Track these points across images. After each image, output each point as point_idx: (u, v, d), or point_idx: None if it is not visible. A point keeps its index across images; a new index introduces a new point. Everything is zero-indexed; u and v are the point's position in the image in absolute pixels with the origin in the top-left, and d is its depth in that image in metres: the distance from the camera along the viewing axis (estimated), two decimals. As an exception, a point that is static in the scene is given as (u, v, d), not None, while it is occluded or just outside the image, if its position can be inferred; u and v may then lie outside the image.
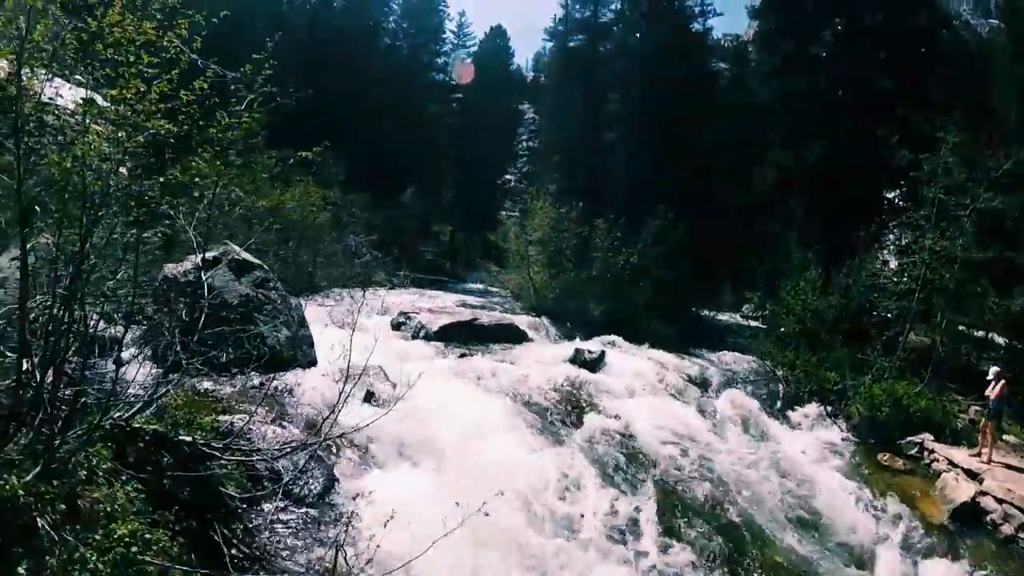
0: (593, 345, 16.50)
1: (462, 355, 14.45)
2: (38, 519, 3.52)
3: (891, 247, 19.16)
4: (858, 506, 10.42)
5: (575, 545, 8.03)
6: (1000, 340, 17.00)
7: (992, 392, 11.42)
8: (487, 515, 5.70)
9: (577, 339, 17.71)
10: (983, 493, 10.21)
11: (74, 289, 3.98)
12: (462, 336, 15.77)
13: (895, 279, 17.06)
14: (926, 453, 11.97)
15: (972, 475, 10.72)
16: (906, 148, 16.36)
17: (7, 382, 4.14)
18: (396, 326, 16.21)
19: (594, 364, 15.03)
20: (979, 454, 11.32)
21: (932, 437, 12.26)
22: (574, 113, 30.96)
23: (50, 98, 4.22)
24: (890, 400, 12.82)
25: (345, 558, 5.98)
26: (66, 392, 4.23)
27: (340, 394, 6.01)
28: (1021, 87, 18.31)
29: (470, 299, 24.15)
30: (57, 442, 3.83)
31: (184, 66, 4.60)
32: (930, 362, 14.77)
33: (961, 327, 16.12)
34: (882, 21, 22.12)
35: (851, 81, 21.87)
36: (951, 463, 11.30)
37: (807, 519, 10.00)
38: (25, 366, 3.99)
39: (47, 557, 3.43)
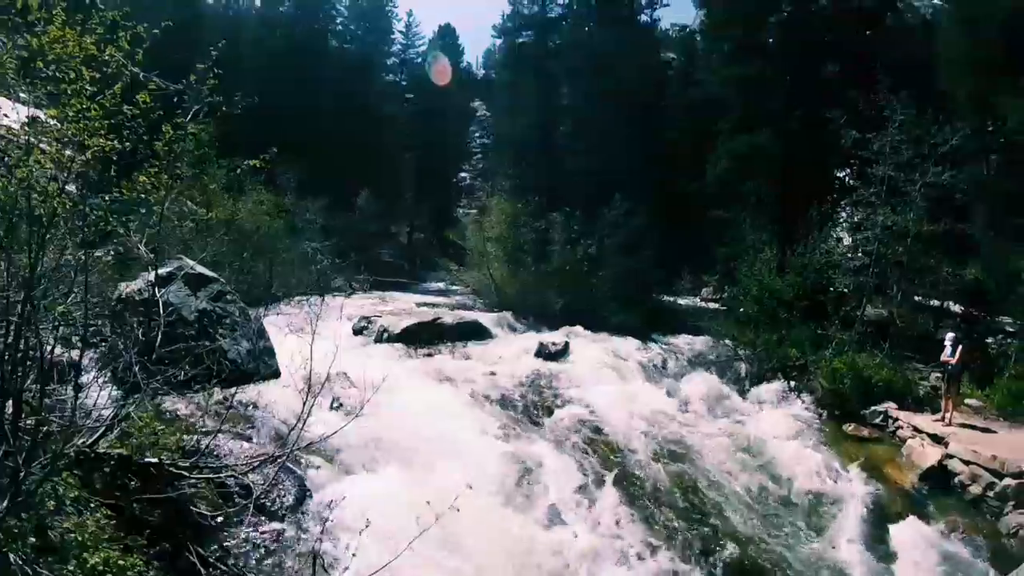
0: (556, 337, 16.63)
1: (427, 355, 14.46)
2: (9, 555, 3.41)
3: (844, 224, 19.67)
4: (827, 476, 10.66)
5: (548, 534, 8.12)
6: (955, 308, 17.64)
7: (951, 358, 11.78)
8: (459, 511, 5.70)
9: (540, 332, 17.83)
10: (949, 456, 10.51)
11: (27, 315, 3.85)
12: (426, 336, 15.74)
13: (849, 255, 17.56)
14: (890, 421, 12.32)
15: (937, 439, 11.03)
16: (855, 129, 16.78)
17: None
18: (358, 331, 16.10)
19: (558, 355, 15.19)
20: (942, 419, 11.68)
21: (895, 405, 12.62)
22: (526, 109, 31.02)
23: (-5, 118, 4.09)
24: (851, 372, 13.17)
25: (323, 566, 5.95)
26: (27, 421, 4.10)
27: (304, 404, 5.95)
28: (966, 66, 18.93)
29: (432, 299, 24.13)
30: (22, 474, 3.71)
31: (126, 80, 4.48)
32: (888, 333, 15.22)
33: (917, 298, 16.65)
34: (828, 5, 22.67)
35: (799, 66, 22.30)
36: (916, 429, 11.62)
37: (776, 493, 10.26)
38: (-17, 398, 3.86)
39: (21, 592, 3.34)
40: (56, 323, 4.29)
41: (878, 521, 9.60)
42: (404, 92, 46.95)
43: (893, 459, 11.28)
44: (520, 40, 33.63)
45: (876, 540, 9.24)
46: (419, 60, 48.76)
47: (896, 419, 12.25)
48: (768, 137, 21.39)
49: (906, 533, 9.30)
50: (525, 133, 30.55)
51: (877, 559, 8.86)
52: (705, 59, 28.79)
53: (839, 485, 10.49)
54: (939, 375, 12.80)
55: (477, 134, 54.41)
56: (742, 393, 14.35)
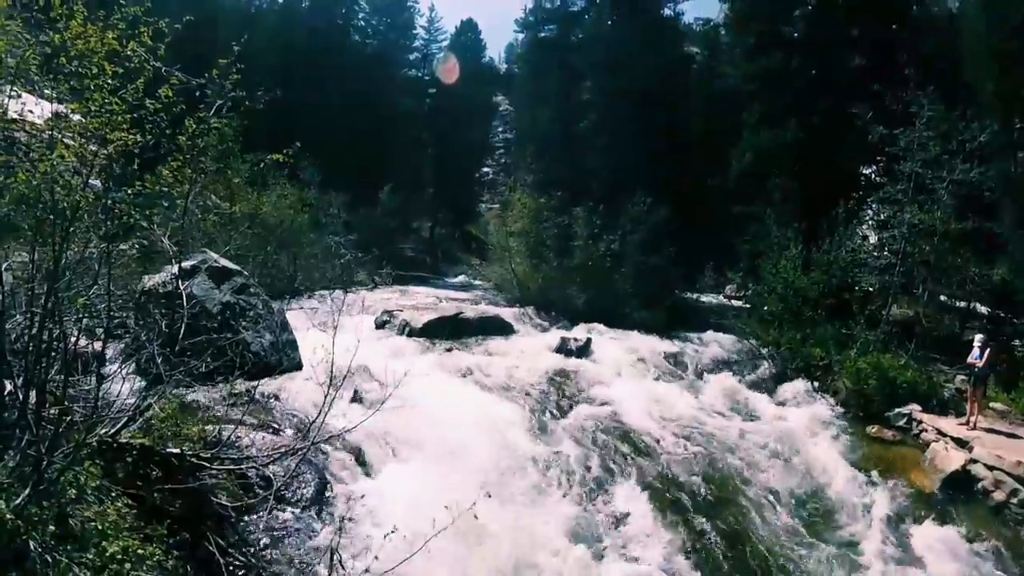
0: (578, 333, 16.57)
1: (448, 350, 14.45)
2: (29, 542, 3.47)
3: (870, 222, 19.35)
4: (849, 478, 10.51)
5: (568, 533, 8.09)
6: (982, 309, 17.27)
7: (979, 360, 11.51)
8: (476, 516, 5.70)
9: (562, 328, 17.78)
10: (973, 461, 10.31)
11: (51, 306, 3.92)
12: (447, 331, 15.75)
13: (876, 253, 17.24)
14: (914, 424, 12.10)
15: (961, 443, 10.83)
16: (881, 124, 16.48)
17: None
18: (380, 324, 16.15)
19: (580, 352, 15.11)
20: (967, 422, 11.45)
21: (919, 408, 12.39)
22: (548, 103, 30.91)
23: (18, 114, 4.15)
24: (876, 373, 12.94)
25: (340, 561, 5.98)
26: (51, 411, 4.17)
27: (326, 397, 5.98)
28: (993, 61, 18.47)
29: (453, 294, 24.15)
30: (44, 463, 3.78)
31: (148, 75, 4.52)
32: (914, 334, 14.95)
33: (943, 298, 16.34)
34: (853, -3, 22.24)
35: (824, 60, 21.95)
36: (940, 432, 11.41)
37: (798, 494, 10.12)
38: (8, 387, 3.92)
39: (40, 579, 3.40)
40: (80, 315, 4.36)
41: (900, 525, 9.47)
42: (426, 87, 47.01)
43: (916, 462, 11.08)
44: (542, 34, 33.50)
45: (898, 544, 9.10)
46: (441, 55, 48.80)
47: (920, 422, 12.03)
48: (792, 132, 21.07)
49: (928, 538, 9.16)
50: (547, 128, 30.45)
51: (898, 563, 8.72)
52: (729, 53, 28.43)
53: (861, 487, 10.34)
54: (964, 377, 12.54)
55: (500, 128, 54.38)
56: (765, 392, 14.16)
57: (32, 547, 3.48)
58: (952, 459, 10.58)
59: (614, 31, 29.15)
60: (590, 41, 30.74)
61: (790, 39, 23.30)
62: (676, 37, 31.46)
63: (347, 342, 6.23)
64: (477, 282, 27.99)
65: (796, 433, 11.97)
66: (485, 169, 52.58)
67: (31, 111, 4.33)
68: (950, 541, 9.10)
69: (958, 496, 10.03)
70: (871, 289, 16.46)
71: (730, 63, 26.78)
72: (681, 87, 29.29)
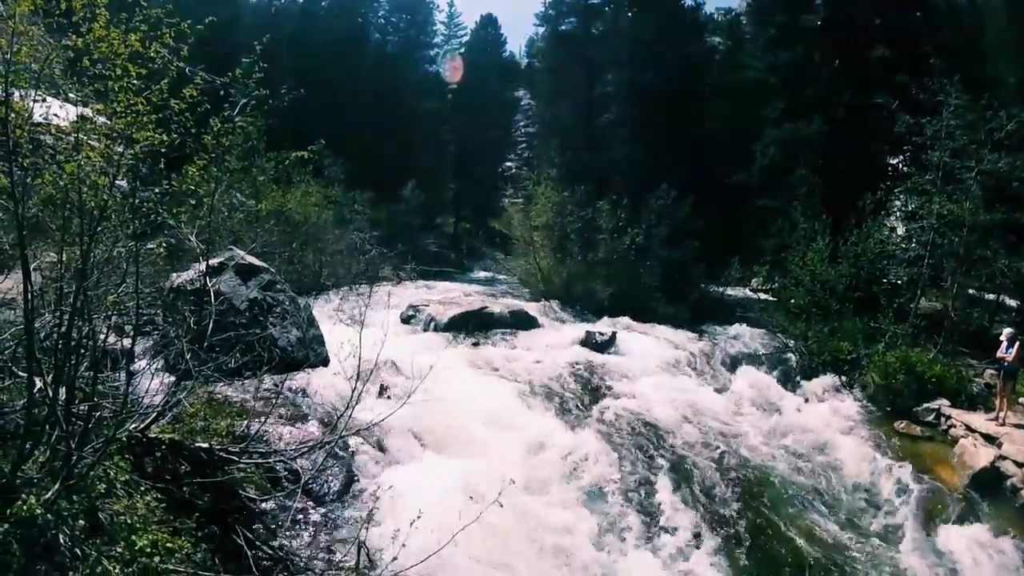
0: (603, 327, 16.51)
1: (474, 344, 14.51)
2: (59, 536, 3.55)
3: (898, 213, 18.96)
4: (876, 474, 10.37)
5: (595, 526, 8.09)
6: (1012, 303, 16.86)
7: (1008, 354, 11.22)
8: (502, 505, 5.72)
9: (587, 322, 17.74)
10: (1002, 458, 10.09)
11: (80, 304, 4.00)
12: (472, 325, 15.80)
13: (903, 245, 16.89)
14: (943, 419, 11.86)
15: (990, 440, 10.60)
16: (907, 114, 16.15)
17: (22, 401, 4.18)
18: (406, 319, 16.25)
19: (605, 346, 15.07)
20: (996, 418, 11.19)
21: (948, 403, 12.13)
22: (570, 97, 30.73)
23: (44, 117, 4.23)
24: (904, 367, 12.71)
25: (367, 554, 6.04)
26: (80, 407, 4.26)
27: (353, 391, 6.03)
28: (1018, 50, 18.01)
29: (478, 288, 24.20)
30: (74, 458, 3.86)
31: (172, 75, 4.59)
32: (942, 328, 14.66)
33: (972, 291, 15.98)
34: (876, -13, 21.77)
35: (847, 50, 21.55)
36: (968, 428, 11.17)
37: (825, 490, 10.00)
38: (38, 384, 4.02)
39: (70, 573, 3.47)
40: (109, 312, 4.44)
41: (927, 521, 9.29)
42: (447, 83, 47.03)
43: (944, 459, 10.86)
44: (562, 28, 33.26)
45: (925, 540, 8.94)
46: (462, 50, 48.74)
47: (949, 417, 11.77)
48: (817, 124, 20.74)
49: (956, 535, 8.98)
50: (569, 122, 30.29)
51: (925, 559, 8.57)
52: (751, 44, 27.94)
53: (889, 484, 10.16)
54: (994, 372, 12.25)
55: (522, 123, 54.21)
56: (792, 387, 13.99)
57: (62, 540, 3.57)
58: (981, 456, 10.36)
59: (634, 23, 28.82)
60: (610, 34, 30.43)
61: (812, 29, 22.85)
62: (697, 28, 31.01)
63: (373, 337, 6.26)
64: (501, 276, 28.03)
65: (823, 428, 11.82)
66: (507, 163, 52.48)
67: (56, 115, 4.41)
68: (978, 539, 8.90)
69: (987, 493, 9.81)
70: (899, 282, 16.13)
71: (752, 54, 26.33)
72: (703, 79, 28.93)
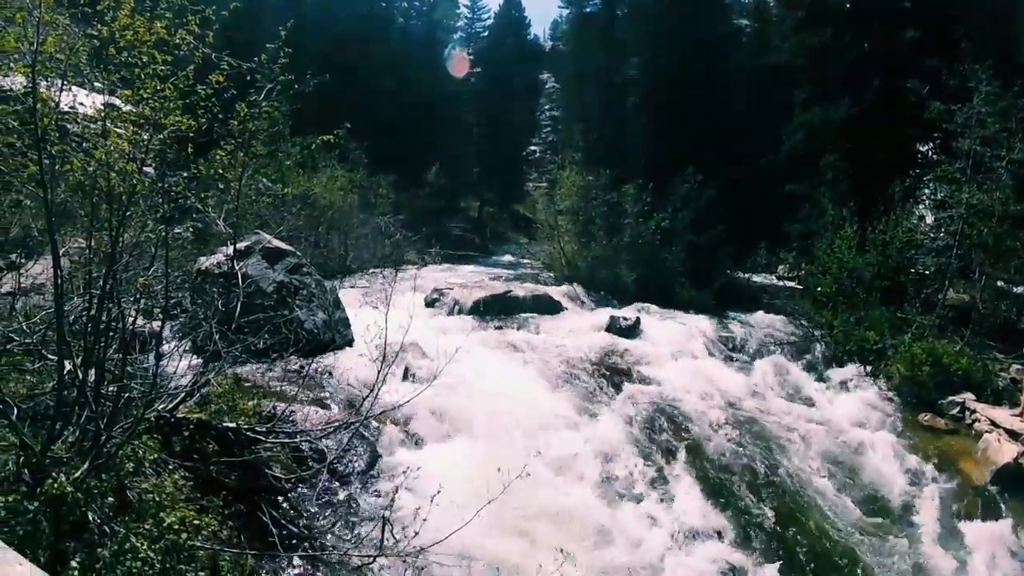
0: (628, 312, 16.43)
1: (498, 327, 14.53)
2: (88, 513, 3.67)
3: (927, 201, 18.55)
4: (899, 467, 10.24)
5: (617, 512, 8.12)
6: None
7: None
8: (529, 474, 5.78)
9: (611, 307, 17.67)
10: (1026, 455, 9.92)
11: (109, 288, 4.09)
12: (497, 309, 15.81)
13: (932, 235, 16.51)
14: (968, 413, 11.64)
15: (1014, 435, 10.41)
16: (937, 101, 15.73)
17: (52, 383, 4.30)
18: (430, 303, 16.33)
19: (630, 331, 15.00)
20: (1021, 414, 10.99)
21: (974, 397, 11.90)
22: (595, 80, 30.44)
23: (70, 107, 4.31)
24: (930, 359, 12.46)
25: (392, 532, 6.14)
26: (109, 389, 4.37)
27: (378, 373, 6.11)
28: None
29: (502, 272, 24.21)
30: (103, 438, 3.97)
31: (198, 61, 4.64)
32: (970, 320, 14.35)
33: (1001, 283, 15.60)
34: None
35: (876, 34, 21.02)
36: (993, 423, 10.97)
37: (848, 481, 9.90)
38: (68, 367, 4.13)
39: (99, 549, 3.58)
40: (137, 295, 4.54)
41: (949, 516, 9.18)
42: (471, 66, 46.89)
43: (968, 453, 10.65)
44: (587, 9, 32.92)
45: (947, 535, 8.83)
46: (485, 34, 48.51)
47: (973, 411, 11.54)
48: (845, 108, 20.29)
49: (977, 530, 8.85)
50: (594, 104, 30.03)
51: (947, 554, 8.47)
52: (778, 26, 27.37)
53: (911, 476, 10.05)
54: (1020, 367, 12.01)
55: (546, 106, 53.92)
56: (817, 376, 13.81)
57: (91, 518, 3.68)
58: (1004, 451, 10.15)
59: (658, 4, 28.41)
60: (634, 15, 30.09)
61: (840, 11, 22.28)
62: (723, 10, 30.47)
63: (398, 320, 6.32)
64: (525, 260, 27.97)
65: (847, 418, 11.71)
66: (532, 147, 52.28)
67: (82, 103, 4.49)
68: (1000, 535, 8.77)
69: (1010, 489, 9.64)
70: (927, 272, 15.78)
71: (780, 37, 25.78)
72: (730, 61, 28.45)
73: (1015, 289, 15.80)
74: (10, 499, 3.48)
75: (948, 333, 14.08)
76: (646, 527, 8.07)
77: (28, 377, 4.92)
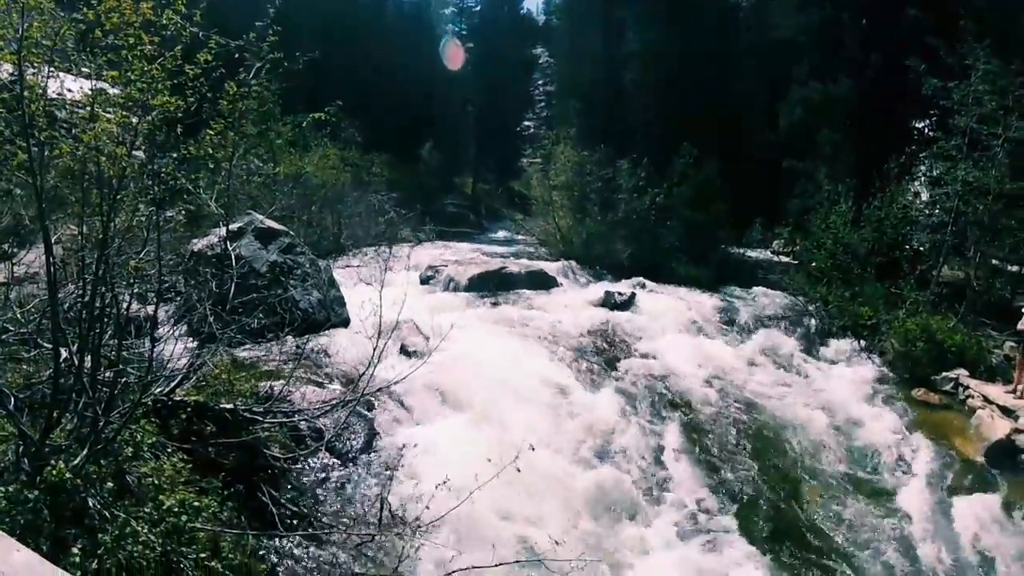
0: (623, 287, 16.48)
1: (493, 304, 14.56)
2: (88, 500, 3.69)
3: (923, 178, 18.53)
4: (892, 441, 10.33)
5: (612, 485, 8.20)
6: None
7: None
8: (531, 449, 5.82)
9: (606, 282, 17.70)
10: (1018, 431, 10.01)
11: (102, 273, 4.07)
12: (492, 285, 15.83)
13: (927, 211, 16.57)
14: (961, 389, 11.76)
15: (1007, 412, 10.53)
16: (936, 78, 15.69)
17: (48, 371, 4.30)
18: (425, 280, 16.33)
19: (625, 306, 15.06)
20: (1014, 390, 11.08)
21: (967, 373, 12.02)
22: (590, 54, 30.04)
23: (58, 93, 4.26)
24: (924, 335, 12.57)
25: (390, 510, 6.21)
26: (106, 374, 4.37)
27: (374, 350, 6.12)
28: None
29: (497, 249, 24.16)
30: (101, 423, 3.98)
31: (186, 40, 4.57)
32: (964, 297, 14.44)
33: (995, 261, 15.65)
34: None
35: (876, 10, 20.86)
36: (986, 399, 11.10)
37: (841, 455, 10.01)
38: (63, 354, 4.12)
39: (99, 534, 3.61)
40: (131, 280, 4.52)
41: (941, 491, 9.27)
42: (464, 42, 46.32)
43: (961, 429, 10.79)
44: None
45: (937, 509, 8.91)
46: (477, 8, 47.79)
47: (967, 387, 11.67)
48: (844, 85, 20.21)
49: (968, 505, 8.92)
50: (589, 80, 29.71)
51: (938, 529, 8.56)
52: (779, 2, 27.09)
53: (904, 451, 10.14)
54: (1014, 344, 11.99)
55: (540, 81, 53.28)
56: (811, 351, 13.91)
57: (91, 504, 3.70)
58: (997, 427, 10.29)
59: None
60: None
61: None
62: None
63: (393, 297, 6.32)
64: (520, 237, 27.91)
65: (841, 392, 11.82)
66: (526, 123, 51.80)
67: (69, 89, 4.43)
68: (991, 510, 8.84)
69: (1002, 465, 9.74)
70: (922, 248, 15.86)
71: (780, 13, 25.51)
72: (729, 38, 28.14)
73: (1010, 267, 15.86)
74: (10, 489, 3.51)
75: (942, 310, 14.17)
76: (643, 499, 8.18)
77: (24, 366, 4.93)
